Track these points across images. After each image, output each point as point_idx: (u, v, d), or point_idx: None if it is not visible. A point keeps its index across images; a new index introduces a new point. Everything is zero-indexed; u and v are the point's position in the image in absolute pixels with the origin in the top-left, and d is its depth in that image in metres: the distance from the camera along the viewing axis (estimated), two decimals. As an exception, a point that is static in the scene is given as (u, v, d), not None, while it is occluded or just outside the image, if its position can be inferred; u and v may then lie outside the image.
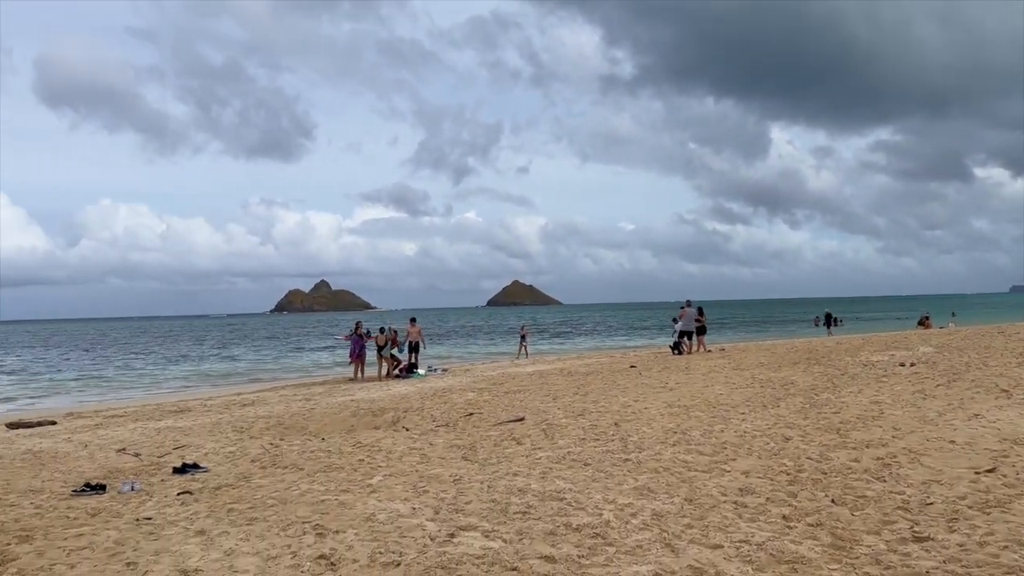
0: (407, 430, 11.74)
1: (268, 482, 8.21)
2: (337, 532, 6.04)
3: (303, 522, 6.39)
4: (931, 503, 6.24)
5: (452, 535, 5.84)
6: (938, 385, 12.52)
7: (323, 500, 7.19)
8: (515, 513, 6.40)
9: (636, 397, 13.96)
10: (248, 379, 30.33)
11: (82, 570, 5.39)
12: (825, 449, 8.47)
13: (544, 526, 5.98)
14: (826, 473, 7.40)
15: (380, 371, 22.78)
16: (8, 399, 25.27)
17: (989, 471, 7.07)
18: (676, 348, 25.72)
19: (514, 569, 5.05)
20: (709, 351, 25.83)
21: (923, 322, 39.90)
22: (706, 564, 5.05)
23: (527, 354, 32.27)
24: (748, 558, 5.14)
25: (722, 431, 9.88)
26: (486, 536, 5.79)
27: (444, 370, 25.04)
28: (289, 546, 5.73)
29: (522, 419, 11.99)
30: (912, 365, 15.91)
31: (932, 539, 5.37)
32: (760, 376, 16.35)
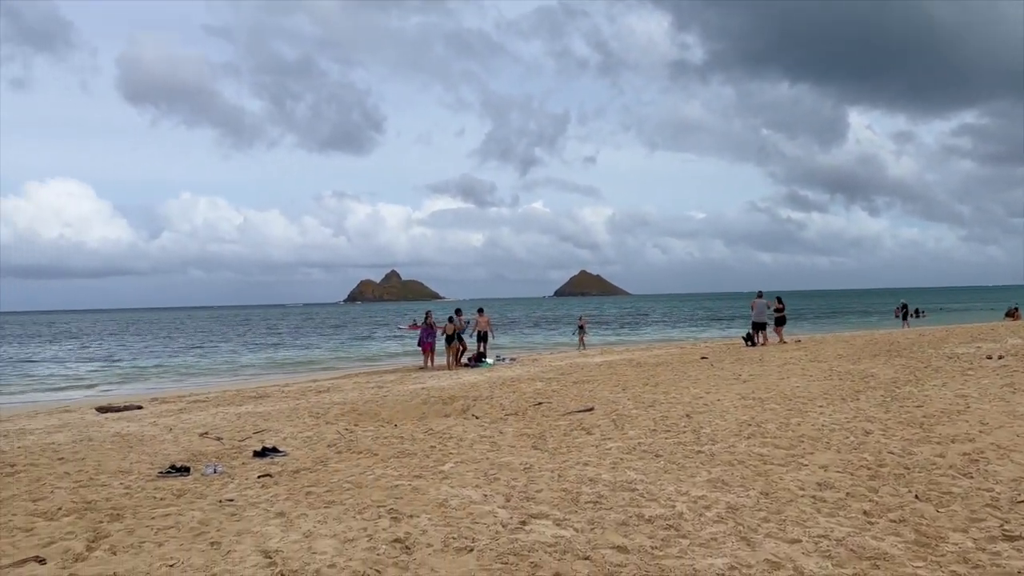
0: (477, 418, 11.83)
1: (344, 466, 8.41)
2: (411, 516, 6.14)
3: (378, 506, 6.52)
4: (1022, 501, 5.95)
5: (523, 523, 5.86)
6: (1030, 379, 11.93)
7: (397, 485, 7.32)
8: (586, 503, 6.39)
9: (708, 389, 13.75)
10: (323, 367, 31.09)
11: (169, 548, 5.62)
12: (908, 444, 8.18)
13: (616, 516, 5.95)
14: (909, 468, 7.15)
15: (449, 360, 23.02)
16: (94, 384, 26.54)
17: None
18: (749, 339, 25.20)
19: (586, 558, 5.04)
20: (785, 342, 25.25)
21: (1011, 313, 38.10)
22: (783, 558, 4.94)
23: (584, 345, 32.10)
24: (827, 553, 5.01)
25: (799, 424, 9.64)
26: (557, 525, 5.79)
27: (512, 360, 25.14)
28: (365, 529, 5.85)
29: (591, 409, 11.95)
30: (1000, 358, 15.20)
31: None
32: (838, 368, 15.88)
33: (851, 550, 5.04)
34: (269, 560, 5.22)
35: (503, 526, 5.79)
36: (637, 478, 7.17)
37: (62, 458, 9.74)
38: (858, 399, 11.47)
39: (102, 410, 15.30)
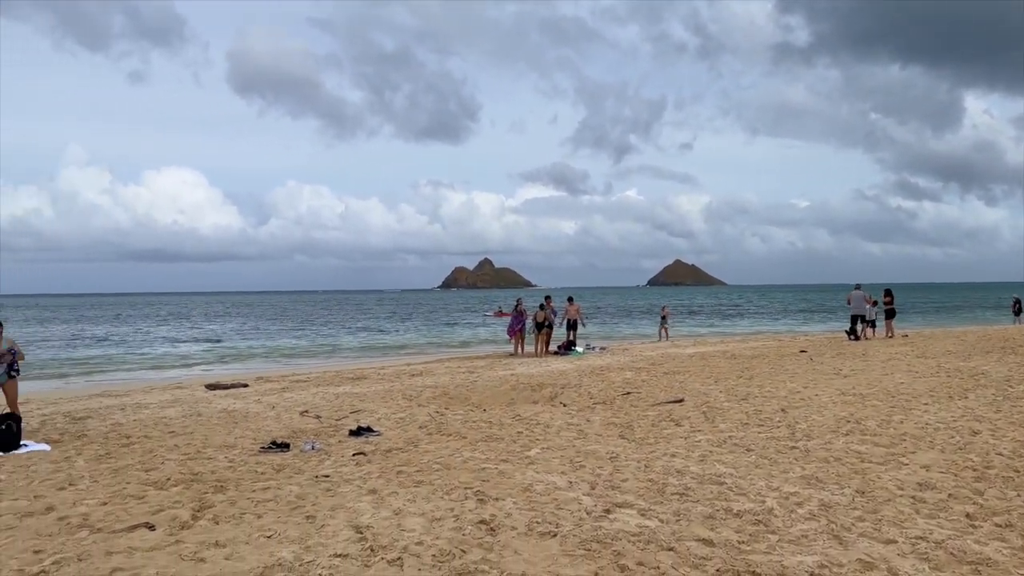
0: (564, 406, 11.86)
1: (434, 448, 8.60)
2: (496, 499, 6.24)
3: (465, 488, 6.65)
4: None
5: (608, 511, 5.86)
6: None
7: (484, 468, 7.44)
8: (672, 494, 6.33)
9: (806, 383, 13.32)
10: (416, 351, 31.78)
11: (267, 520, 5.91)
12: (1019, 445, 7.71)
13: (702, 509, 5.87)
14: (1019, 471, 6.74)
15: (538, 347, 23.10)
16: (203, 363, 27.99)
17: None
18: (852, 333, 24.25)
19: (670, 549, 5.00)
20: (892, 336, 24.17)
21: None
22: (877, 559, 4.76)
23: (667, 336, 31.48)
24: (925, 556, 4.80)
25: (901, 422, 9.23)
26: (642, 515, 5.77)
27: (602, 348, 25.02)
28: (452, 509, 5.98)
29: (681, 400, 11.78)
30: None
31: None
32: (947, 365, 15.09)
33: (951, 554, 4.82)
34: (360, 535, 5.41)
35: (587, 513, 5.80)
36: (726, 472, 7.04)
37: (173, 431, 10.35)
38: (967, 397, 10.87)
39: (211, 387, 16.15)
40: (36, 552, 5.24)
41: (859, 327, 24.18)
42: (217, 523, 5.85)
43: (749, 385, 13.30)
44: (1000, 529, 5.28)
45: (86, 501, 6.58)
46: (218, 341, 40.61)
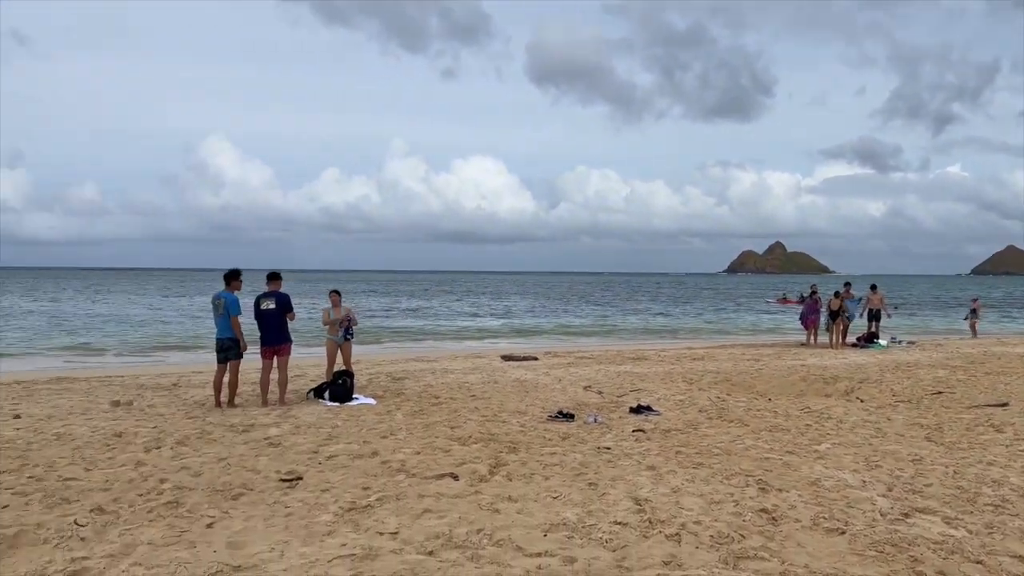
0: (862, 401, 11.05)
1: (714, 432, 8.54)
2: (780, 490, 6.06)
3: (746, 475, 6.54)
4: None
5: (906, 514, 5.44)
6: None
7: (767, 458, 7.24)
8: (985, 505, 5.69)
9: None
10: (698, 335, 31.35)
11: (553, 482, 6.33)
12: None
13: (1020, 524, 5.21)
14: None
15: (833, 338, 21.59)
16: (498, 336, 30.18)
17: None
18: None
19: (978, 562, 4.53)
20: None
21: None
22: None
23: (975, 333, 27.40)
24: None
25: None
26: (947, 523, 5.26)
27: (910, 343, 22.70)
28: (732, 495, 5.94)
29: (1005, 404, 10.40)
30: None
31: None
32: None
33: None
34: (639, 507, 5.60)
35: (881, 515, 5.43)
36: (1058, 488, 6.15)
37: (474, 395, 11.39)
38: None
39: (506, 358, 17.43)
40: (364, 488, 6.16)
41: None
42: (510, 480, 6.40)
43: (1097, 394, 11.33)
44: None
45: (403, 449, 7.55)
46: (510, 317, 43.45)
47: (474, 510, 5.54)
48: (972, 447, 7.76)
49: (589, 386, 12.52)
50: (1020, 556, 4.62)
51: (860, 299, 22.79)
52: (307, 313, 30.00)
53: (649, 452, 7.48)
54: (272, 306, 10.72)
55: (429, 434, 8.38)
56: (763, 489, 6.10)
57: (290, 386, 11.46)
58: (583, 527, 5.14)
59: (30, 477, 6.50)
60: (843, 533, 5.04)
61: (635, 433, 8.46)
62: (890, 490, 6.11)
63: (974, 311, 28.74)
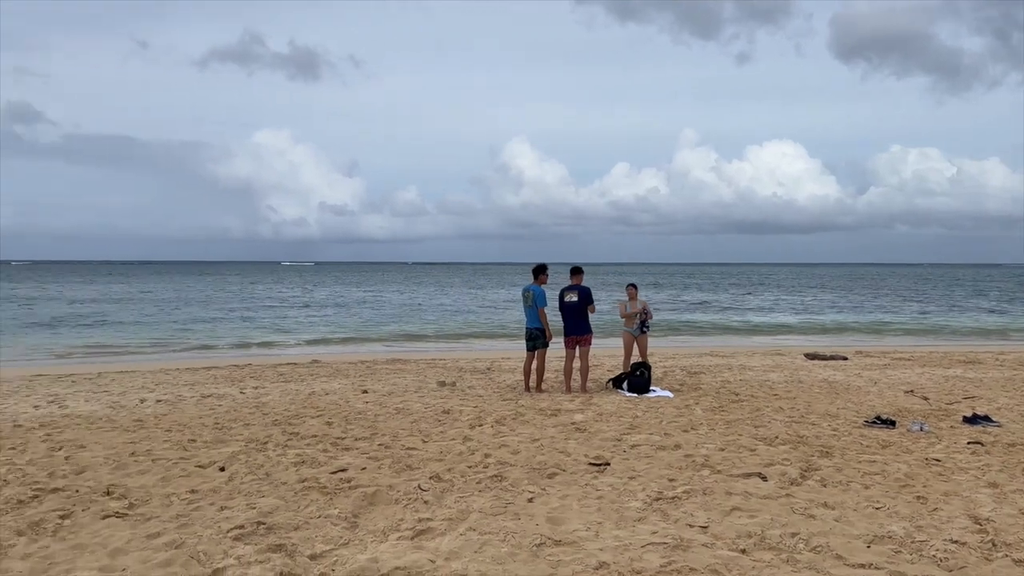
0: None
1: (1074, 452, 7.34)
2: None
3: (1121, 504, 5.56)
4: None
5: None
6: None
7: None
8: None
9: None
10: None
11: (874, 492, 5.89)
12: None
13: None
14: None
15: None
16: (797, 332, 28.48)
17: None
18: None
19: None
20: None
21: None
22: None
23: None
24: None
25: None
26: None
27: None
28: (1102, 525, 5.09)
29: None
30: None
31: None
32: None
33: None
34: (979, 527, 5.02)
35: None
36: None
37: (776, 395, 10.95)
38: None
39: (810, 356, 16.46)
40: (670, 480, 6.24)
41: None
42: (824, 485, 6.09)
43: None
44: None
45: (706, 445, 7.52)
46: (809, 312, 40.81)
47: (786, 513, 5.37)
48: None
49: (912, 390, 11.39)
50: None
51: None
52: (602, 305, 30.91)
53: (989, 468, 6.64)
54: (575, 299, 11.26)
55: (732, 431, 8.24)
56: None
57: (590, 375, 11.93)
58: (912, 542, 4.75)
59: (380, 445, 7.54)
60: None
61: (971, 445, 7.56)
62: None
63: None
